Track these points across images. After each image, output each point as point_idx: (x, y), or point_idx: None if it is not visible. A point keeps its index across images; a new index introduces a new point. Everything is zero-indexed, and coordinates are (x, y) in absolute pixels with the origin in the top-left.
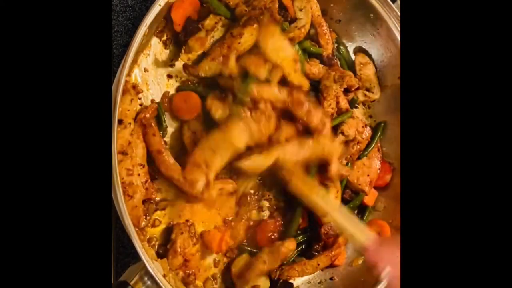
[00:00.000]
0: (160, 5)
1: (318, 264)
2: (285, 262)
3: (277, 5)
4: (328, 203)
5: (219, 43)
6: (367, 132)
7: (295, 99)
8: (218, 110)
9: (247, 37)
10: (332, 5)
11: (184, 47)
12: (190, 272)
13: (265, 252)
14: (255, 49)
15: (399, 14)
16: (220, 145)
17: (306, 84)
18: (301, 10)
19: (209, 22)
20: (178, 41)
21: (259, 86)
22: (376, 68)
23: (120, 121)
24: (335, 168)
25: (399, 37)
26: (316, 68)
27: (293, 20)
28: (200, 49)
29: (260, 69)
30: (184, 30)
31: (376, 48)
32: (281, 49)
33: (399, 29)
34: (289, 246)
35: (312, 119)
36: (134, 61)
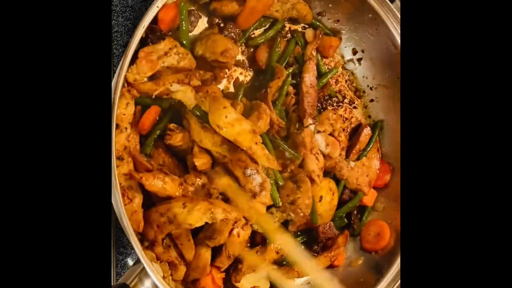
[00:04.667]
0: (158, 7)
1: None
2: (284, 263)
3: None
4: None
5: (172, 75)
6: (367, 131)
7: (235, 159)
8: (177, 138)
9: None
10: (330, 5)
11: (131, 66)
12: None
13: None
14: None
15: (397, 14)
16: (178, 219)
17: (273, 163)
18: None
19: (163, 46)
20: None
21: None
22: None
23: (116, 126)
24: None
25: (397, 37)
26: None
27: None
28: (149, 72)
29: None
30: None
31: (375, 48)
32: (235, 124)
33: (398, 29)
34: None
35: (247, 181)
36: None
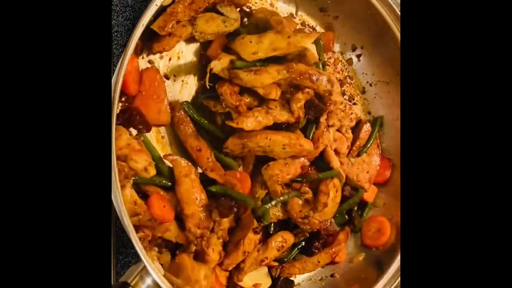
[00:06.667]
0: (156, 5)
1: (319, 261)
2: (285, 259)
3: None
4: None
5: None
6: (367, 127)
7: (297, 75)
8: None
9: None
10: (329, 1)
11: (155, 45)
12: None
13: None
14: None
15: (397, 10)
16: None
17: (313, 35)
18: None
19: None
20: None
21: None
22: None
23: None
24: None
25: (397, 33)
26: None
27: None
28: (169, 49)
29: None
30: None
31: (374, 44)
32: (264, 41)
33: (397, 25)
34: (284, 235)
35: (318, 86)
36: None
